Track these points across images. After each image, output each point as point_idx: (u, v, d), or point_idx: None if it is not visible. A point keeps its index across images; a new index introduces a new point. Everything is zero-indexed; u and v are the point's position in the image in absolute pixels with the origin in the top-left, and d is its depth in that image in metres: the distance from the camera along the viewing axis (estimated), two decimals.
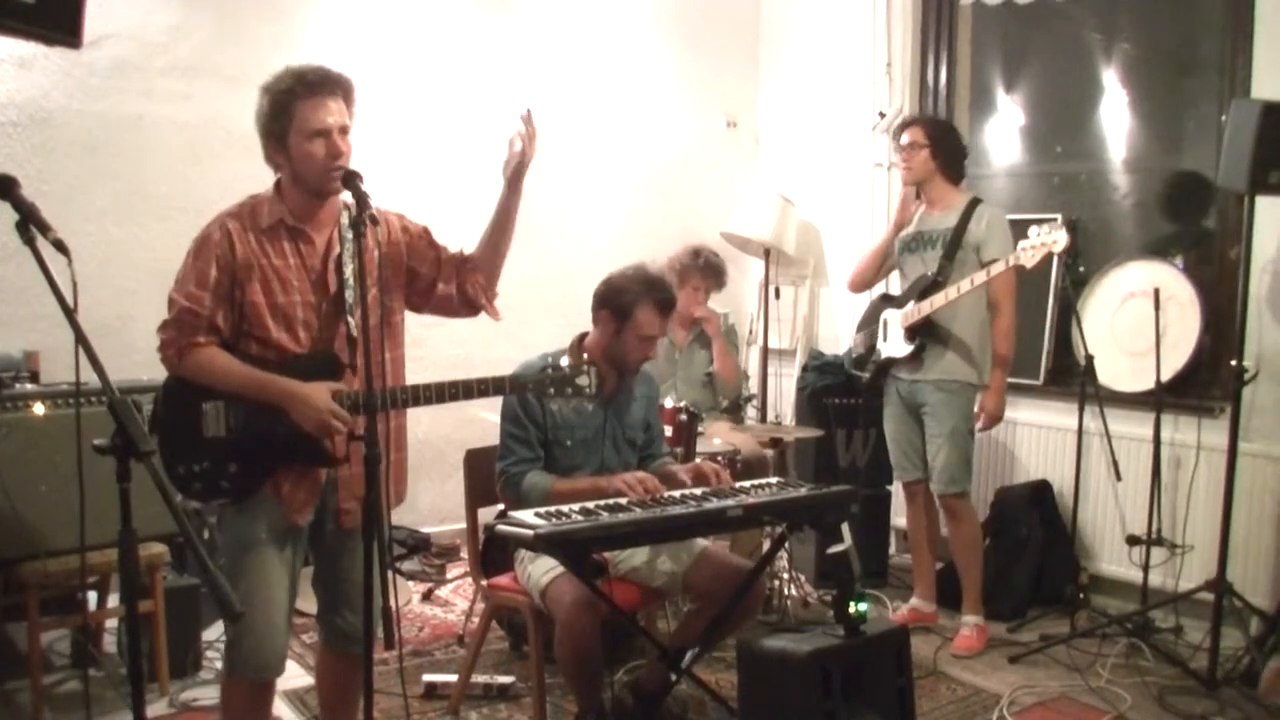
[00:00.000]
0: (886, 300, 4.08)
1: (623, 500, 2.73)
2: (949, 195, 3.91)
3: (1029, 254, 3.52)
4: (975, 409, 3.88)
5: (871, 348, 4.08)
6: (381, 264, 2.38)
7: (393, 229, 2.47)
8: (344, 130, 2.30)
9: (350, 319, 2.31)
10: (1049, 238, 3.49)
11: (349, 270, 2.30)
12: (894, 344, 3.95)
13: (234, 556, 2.35)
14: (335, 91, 2.30)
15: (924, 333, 3.84)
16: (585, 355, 2.87)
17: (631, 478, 2.82)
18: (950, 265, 3.81)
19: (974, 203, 3.86)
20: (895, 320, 3.94)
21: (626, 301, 3.02)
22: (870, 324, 4.13)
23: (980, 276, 3.64)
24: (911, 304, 3.85)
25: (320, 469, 2.35)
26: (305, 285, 2.33)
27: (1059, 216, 4.31)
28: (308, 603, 2.61)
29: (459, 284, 2.54)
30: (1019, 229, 3.86)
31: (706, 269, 4.48)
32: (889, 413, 4.07)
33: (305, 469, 2.34)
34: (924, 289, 3.82)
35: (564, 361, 2.56)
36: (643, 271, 3.08)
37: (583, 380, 2.48)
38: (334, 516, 2.40)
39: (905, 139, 3.91)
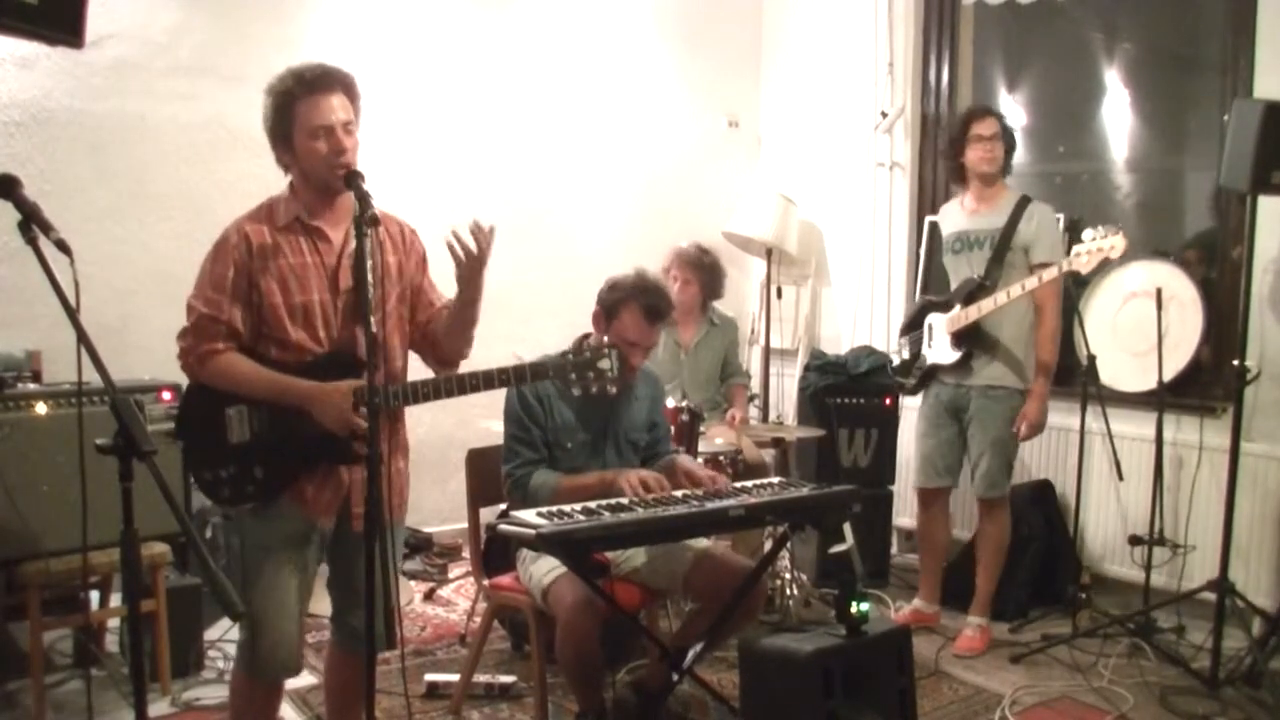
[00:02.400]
0: (931, 304, 4.01)
1: (624, 500, 2.73)
2: (999, 192, 3.83)
3: (1083, 259, 3.44)
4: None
5: (917, 354, 4.02)
6: (399, 269, 2.42)
7: (402, 241, 2.48)
8: (347, 126, 2.29)
9: (370, 316, 2.30)
10: (1105, 243, 3.40)
11: (367, 267, 2.28)
12: (940, 350, 3.88)
13: (251, 560, 2.35)
14: (335, 87, 2.30)
15: (970, 338, 3.76)
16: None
17: (635, 477, 2.82)
18: (999, 268, 3.73)
19: (1024, 201, 3.77)
20: (940, 325, 3.88)
21: (614, 301, 3.02)
22: (915, 328, 4.06)
23: (1031, 282, 3.57)
24: (958, 308, 3.78)
25: (343, 471, 2.36)
26: (322, 283, 2.33)
27: (1061, 217, 4.30)
28: (316, 604, 2.61)
29: (424, 341, 2.55)
30: None
31: (698, 263, 4.42)
32: (924, 416, 4.00)
33: (329, 471, 2.36)
34: (970, 292, 3.75)
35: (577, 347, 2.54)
36: (639, 276, 3.07)
37: (604, 364, 2.45)
38: (348, 521, 2.41)
39: (988, 130, 3.77)
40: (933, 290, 4.44)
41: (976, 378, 3.80)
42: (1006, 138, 3.81)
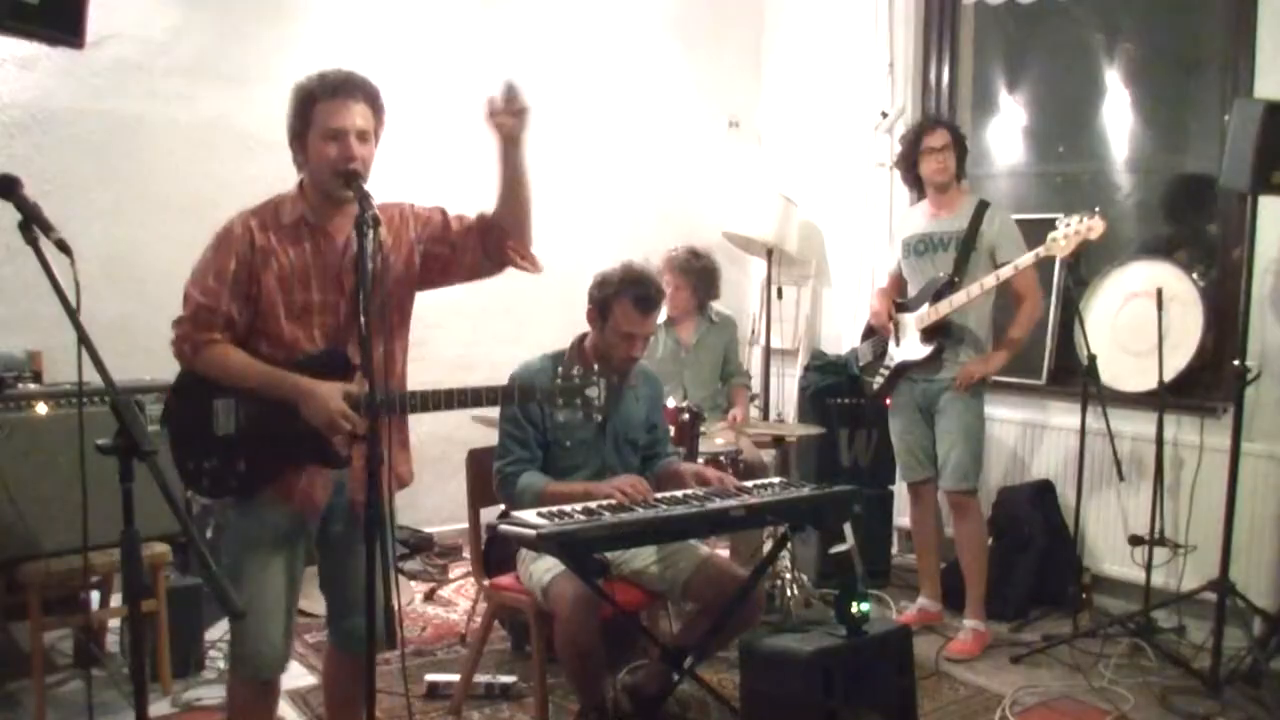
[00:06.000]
0: (896, 306, 4.05)
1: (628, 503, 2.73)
2: (956, 197, 3.92)
3: (1061, 244, 3.51)
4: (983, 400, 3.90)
5: (882, 354, 4.07)
6: (386, 267, 2.38)
7: (401, 225, 2.46)
8: (362, 134, 2.29)
9: (363, 319, 2.30)
10: (1082, 225, 3.48)
11: (368, 269, 2.27)
12: (909, 347, 3.93)
13: (235, 556, 2.36)
14: (355, 94, 2.29)
15: (940, 333, 3.83)
16: (590, 360, 2.82)
17: (623, 482, 2.82)
18: (964, 266, 3.80)
19: (983, 205, 3.86)
20: (909, 324, 3.93)
21: (605, 297, 3.03)
22: (875, 332, 4.13)
23: (1006, 271, 3.64)
24: (927, 306, 3.84)
25: (330, 468, 2.36)
26: (323, 283, 2.33)
27: (1060, 216, 4.30)
28: (314, 604, 2.61)
29: (484, 249, 2.50)
30: (1022, 229, 3.89)
31: (687, 268, 4.43)
32: (897, 412, 4.05)
33: (317, 469, 2.35)
34: (938, 290, 3.81)
35: (568, 365, 2.54)
36: (628, 268, 3.06)
37: (592, 392, 2.47)
38: (343, 515, 2.41)
39: (938, 141, 3.86)
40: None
41: (944, 372, 3.86)
42: (958, 146, 3.91)
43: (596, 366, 2.54)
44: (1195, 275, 4.01)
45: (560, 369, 2.52)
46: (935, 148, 3.87)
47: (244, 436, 2.31)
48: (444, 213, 2.52)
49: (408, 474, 2.57)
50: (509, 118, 2.39)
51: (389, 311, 2.36)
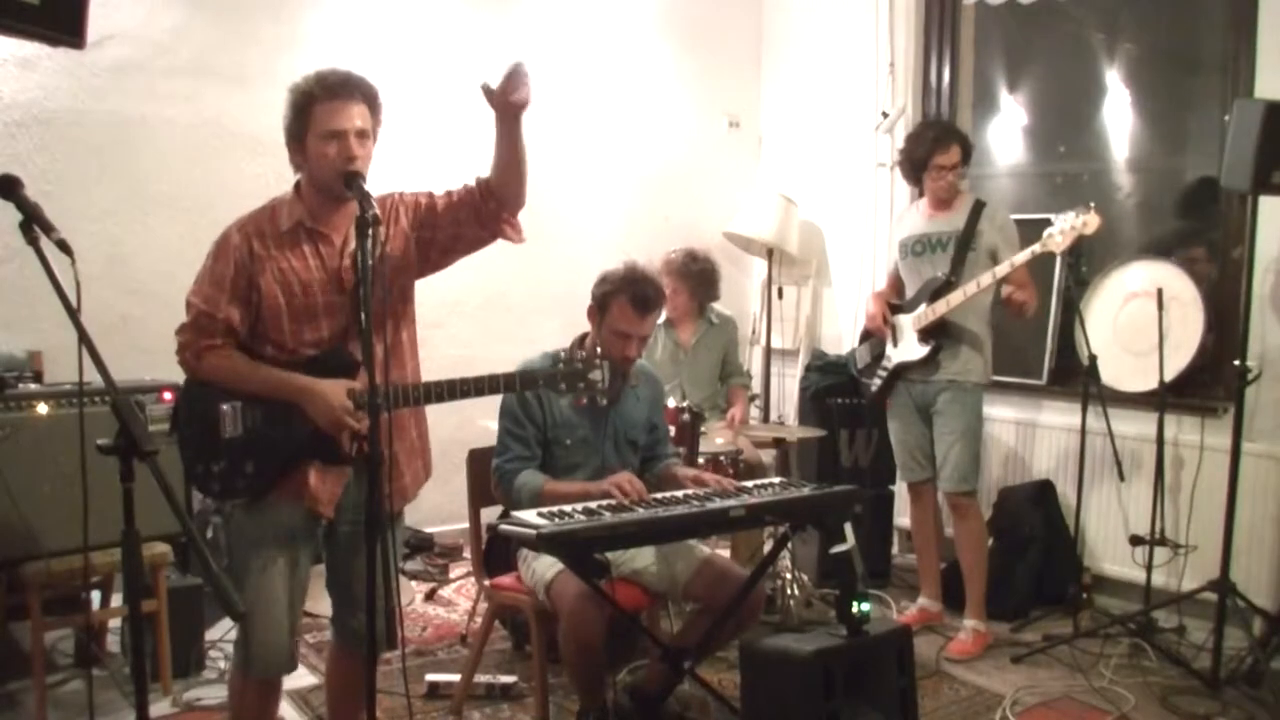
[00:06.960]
0: (892, 308, 4.06)
1: (625, 500, 2.73)
2: (953, 197, 3.92)
3: (1058, 239, 3.51)
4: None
5: (879, 356, 4.07)
6: (382, 262, 2.38)
7: (393, 215, 2.45)
8: (361, 134, 2.29)
9: (364, 316, 2.30)
10: (1077, 221, 3.48)
11: (368, 268, 2.27)
12: (907, 348, 3.93)
13: (242, 555, 2.36)
14: (354, 95, 2.30)
15: (938, 333, 3.83)
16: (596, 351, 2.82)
17: (617, 482, 2.82)
18: (962, 266, 3.81)
19: (979, 204, 3.86)
20: (906, 324, 3.93)
21: (604, 294, 3.04)
22: (873, 335, 4.14)
23: (1003, 269, 3.64)
24: (924, 306, 3.84)
25: (338, 465, 2.37)
26: (326, 285, 2.34)
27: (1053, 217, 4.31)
28: (316, 604, 2.61)
29: (479, 220, 2.48)
30: (1022, 228, 3.89)
31: (684, 271, 4.44)
32: (896, 413, 4.06)
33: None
34: (935, 290, 3.81)
35: (570, 351, 2.54)
36: (629, 267, 3.07)
37: (595, 375, 2.46)
38: (351, 513, 2.41)
39: (950, 160, 3.84)
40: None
41: (943, 372, 3.86)
42: (966, 160, 3.91)
43: (599, 349, 2.54)
44: (1207, 274, 4.01)
45: (563, 354, 2.52)
46: (944, 166, 3.85)
47: (251, 439, 2.32)
48: (432, 195, 2.51)
49: (427, 464, 2.59)
50: (516, 104, 2.37)
51: (391, 303, 2.36)
